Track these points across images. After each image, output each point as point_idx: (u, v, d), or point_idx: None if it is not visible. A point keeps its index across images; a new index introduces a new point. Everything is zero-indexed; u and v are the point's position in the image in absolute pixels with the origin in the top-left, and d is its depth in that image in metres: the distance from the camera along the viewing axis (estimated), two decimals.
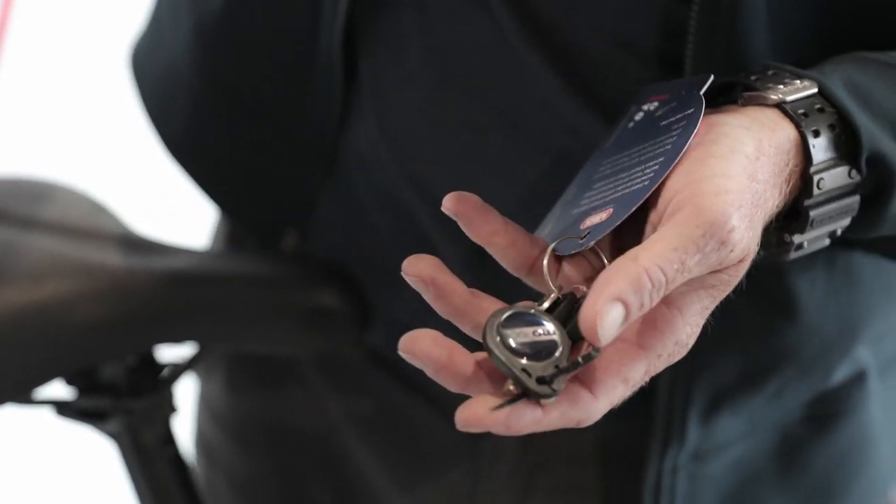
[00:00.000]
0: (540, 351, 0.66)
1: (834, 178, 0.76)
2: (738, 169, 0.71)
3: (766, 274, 0.80)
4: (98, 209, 1.14)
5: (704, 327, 0.73)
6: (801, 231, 0.77)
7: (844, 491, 1.02)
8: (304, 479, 1.10)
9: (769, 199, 0.73)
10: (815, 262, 0.91)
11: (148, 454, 1.12)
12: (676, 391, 0.93)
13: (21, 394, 1.06)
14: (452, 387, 0.69)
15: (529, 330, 0.67)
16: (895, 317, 0.99)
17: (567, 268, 0.73)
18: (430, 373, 0.69)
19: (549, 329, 0.67)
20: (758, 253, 0.74)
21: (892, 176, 0.77)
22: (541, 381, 0.66)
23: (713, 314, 0.73)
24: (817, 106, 0.76)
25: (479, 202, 0.74)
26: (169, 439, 1.12)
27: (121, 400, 1.10)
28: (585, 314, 0.66)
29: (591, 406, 0.68)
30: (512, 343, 0.66)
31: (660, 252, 0.67)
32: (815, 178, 0.76)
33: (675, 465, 0.95)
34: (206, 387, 1.17)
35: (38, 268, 1.03)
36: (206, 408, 1.17)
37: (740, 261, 0.71)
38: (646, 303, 0.67)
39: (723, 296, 0.73)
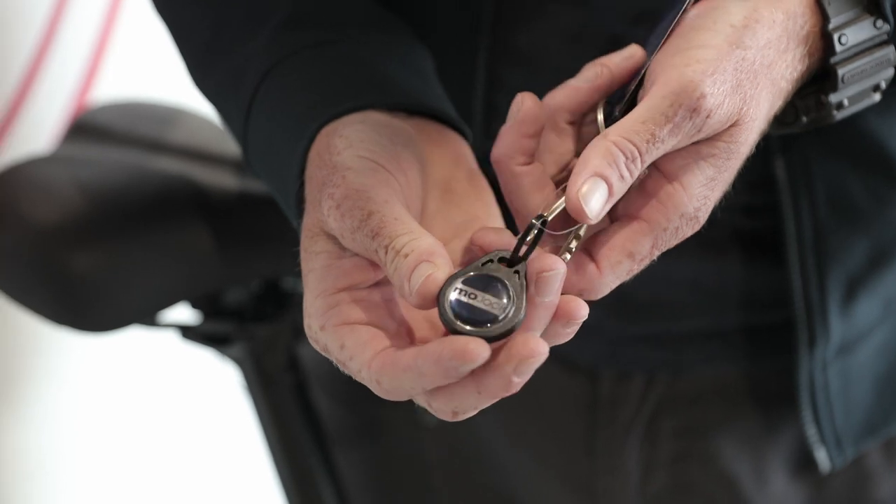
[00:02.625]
0: (478, 320, 0.67)
1: (857, 31, 0.75)
2: (718, 38, 0.71)
3: (864, 142, 0.81)
4: (223, 134, 1.14)
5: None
6: (834, 90, 0.77)
7: None
8: (410, 432, 1.09)
9: (774, 62, 0.73)
10: None
11: (270, 380, 1.13)
12: (811, 288, 0.93)
13: (147, 317, 1.07)
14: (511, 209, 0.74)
15: (481, 294, 0.68)
16: None
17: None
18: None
19: (494, 300, 0.67)
20: (800, 118, 0.76)
21: None
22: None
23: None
24: None
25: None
26: (291, 366, 1.13)
27: (245, 325, 1.11)
28: (570, 197, 0.68)
29: (595, 279, 0.71)
30: (456, 305, 0.67)
31: (628, 125, 0.69)
32: (835, 35, 0.75)
33: (823, 362, 0.95)
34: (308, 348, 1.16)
35: (165, 191, 1.04)
36: (309, 363, 1.16)
37: (733, 125, 0.71)
38: (624, 174, 0.68)
39: (730, 166, 0.72)
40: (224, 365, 1.18)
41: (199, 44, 0.86)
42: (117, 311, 1.03)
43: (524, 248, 0.68)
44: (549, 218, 0.70)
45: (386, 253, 0.68)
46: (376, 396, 0.69)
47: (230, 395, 1.49)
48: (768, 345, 0.98)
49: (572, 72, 0.77)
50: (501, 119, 0.75)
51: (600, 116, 0.75)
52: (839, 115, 0.78)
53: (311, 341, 0.71)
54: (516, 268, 0.68)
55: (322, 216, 0.71)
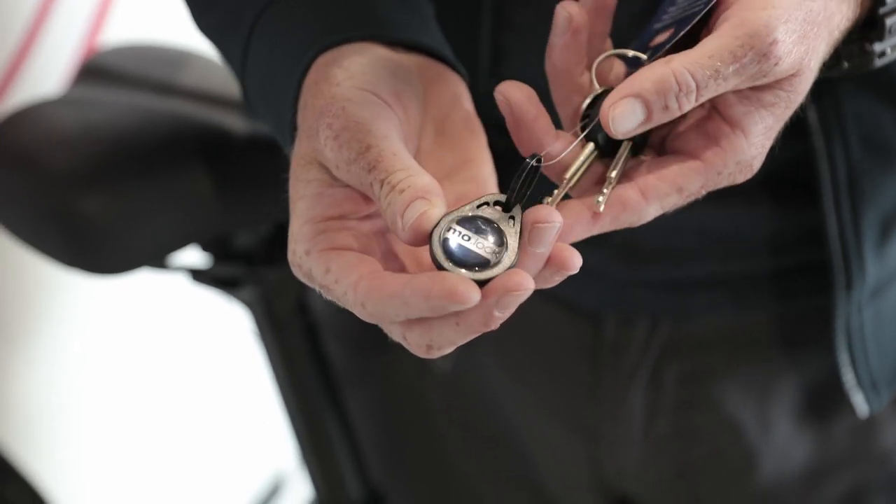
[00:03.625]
0: (468, 262, 0.66)
1: None
2: None
3: (894, 79, 0.81)
4: (233, 78, 1.14)
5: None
6: (881, 39, 0.77)
7: None
8: (416, 377, 1.09)
9: (834, 14, 0.73)
10: None
11: (280, 323, 1.14)
12: (846, 231, 0.92)
13: (158, 259, 1.08)
14: (522, 147, 0.71)
15: (474, 237, 0.67)
16: None
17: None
18: (510, 122, 0.70)
19: (488, 244, 0.67)
20: (841, 63, 0.76)
21: None
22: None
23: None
24: None
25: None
26: (301, 309, 1.13)
27: (255, 268, 1.11)
28: (602, 109, 0.68)
29: (640, 208, 0.70)
30: (448, 245, 0.66)
31: (694, 58, 0.68)
32: None
33: (859, 304, 0.95)
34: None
35: (175, 133, 1.04)
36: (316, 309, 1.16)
37: (793, 75, 0.71)
38: (671, 105, 0.68)
39: (786, 115, 0.72)
40: (234, 308, 1.19)
41: None
42: (128, 253, 1.03)
43: (521, 192, 0.67)
44: (555, 162, 0.69)
45: (381, 187, 0.67)
46: (385, 341, 0.69)
47: (240, 337, 1.50)
48: (796, 290, 0.97)
49: None
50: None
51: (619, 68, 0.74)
52: (880, 63, 0.78)
53: (293, 267, 0.70)
54: (511, 212, 0.67)
55: (318, 145, 0.70)
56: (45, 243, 1.04)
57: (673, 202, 0.71)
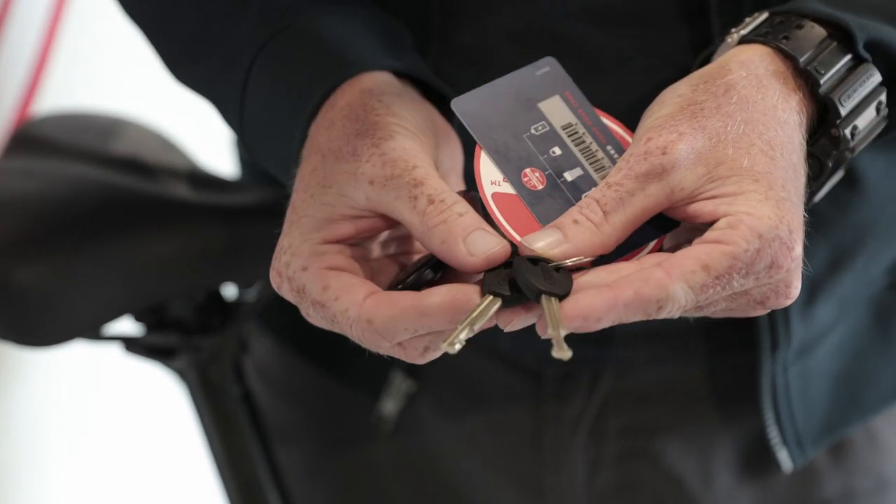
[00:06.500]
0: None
1: (830, 57, 0.76)
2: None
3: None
4: (168, 145, 1.14)
5: None
6: (839, 116, 0.77)
7: None
8: (356, 437, 1.09)
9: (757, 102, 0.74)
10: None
11: (215, 392, 1.13)
12: None
13: (91, 330, 1.06)
14: None
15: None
16: None
17: None
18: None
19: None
20: (826, 164, 0.77)
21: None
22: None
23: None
24: (777, 20, 0.77)
25: None
26: (237, 377, 1.12)
27: (189, 337, 1.10)
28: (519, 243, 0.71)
29: (666, 284, 0.68)
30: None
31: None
32: (809, 68, 0.76)
33: (784, 364, 0.96)
34: (257, 346, 1.16)
35: (109, 203, 1.03)
36: (253, 363, 1.16)
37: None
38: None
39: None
40: (168, 378, 1.17)
41: (185, 34, 0.87)
42: (61, 325, 1.02)
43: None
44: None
45: (430, 203, 0.71)
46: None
47: (174, 408, 1.48)
48: (725, 346, 0.99)
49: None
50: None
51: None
52: (855, 142, 0.78)
53: (280, 281, 0.73)
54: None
55: (351, 166, 0.73)
56: None
57: (700, 280, 0.69)
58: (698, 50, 0.85)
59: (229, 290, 1.13)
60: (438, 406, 1.05)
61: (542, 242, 0.70)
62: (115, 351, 1.14)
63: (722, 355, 0.99)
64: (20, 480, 1.58)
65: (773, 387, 0.96)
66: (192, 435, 1.22)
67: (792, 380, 0.97)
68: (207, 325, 1.10)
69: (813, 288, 0.95)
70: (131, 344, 1.12)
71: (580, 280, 0.69)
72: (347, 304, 0.70)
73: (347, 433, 1.09)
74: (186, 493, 1.81)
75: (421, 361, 0.72)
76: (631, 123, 0.78)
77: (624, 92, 0.86)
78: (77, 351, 1.27)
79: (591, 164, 0.76)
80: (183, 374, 1.13)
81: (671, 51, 0.87)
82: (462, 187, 0.80)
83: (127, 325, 1.13)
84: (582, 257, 0.70)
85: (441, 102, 0.81)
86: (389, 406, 1.05)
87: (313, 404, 1.11)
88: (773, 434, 0.98)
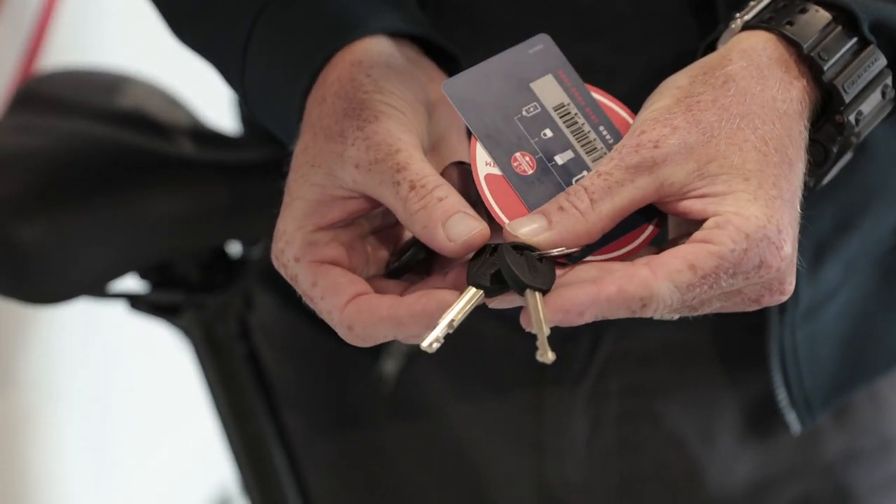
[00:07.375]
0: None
1: (834, 42, 0.76)
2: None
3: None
4: (172, 102, 1.14)
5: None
6: (843, 102, 0.77)
7: None
8: (358, 394, 1.10)
9: (756, 94, 0.74)
10: None
11: (220, 349, 1.13)
12: None
13: (96, 287, 1.06)
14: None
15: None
16: None
17: None
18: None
19: None
20: (830, 150, 0.76)
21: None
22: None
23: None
24: (781, 4, 0.77)
25: None
26: (242, 335, 1.13)
27: (194, 294, 1.11)
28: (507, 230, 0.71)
29: (650, 283, 0.69)
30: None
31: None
32: (812, 55, 0.76)
33: (792, 326, 0.96)
34: (261, 304, 1.16)
35: (113, 160, 1.03)
36: (260, 326, 1.16)
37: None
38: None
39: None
40: (173, 335, 1.18)
41: None
42: (66, 283, 1.02)
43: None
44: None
45: (412, 189, 0.71)
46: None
47: (180, 365, 1.49)
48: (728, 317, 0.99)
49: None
50: None
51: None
52: (860, 127, 0.78)
53: (277, 264, 0.74)
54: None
55: (339, 146, 0.73)
56: None
57: (686, 279, 0.70)
58: (697, 10, 0.85)
59: (234, 248, 1.13)
60: (438, 366, 1.05)
61: (526, 228, 0.71)
62: (121, 308, 1.14)
63: (727, 317, 0.99)
64: (28, 438, 1.59)
65: (781, 349, 0.96)
66: (198, 392, 1.22)
67: (800, 342, 0.97)
68: (212, 282, 1.11)
69: (819, 249, 0.95)
70: (136, 301, 1.12)
71: (567, 276, 0.70)
72: (331, 306, 0.71)
73: (349, 393, 1.10)
74: (192, 452, 1.82)
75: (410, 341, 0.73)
76: (626, 87, 0.78)
77: (621, 52, 0.86)
78: (82, 308, 1.27)
79: (582, 146, 0.76)
80: (188, 332, 1.14)
81: (671, 12, 0.86)
82: (464, 143, 0.79)
83: (132, 283, 1.13)
84: (565, 248, 0.71)
85: (442, 56, 0.81)
86: (390, 365, 1.05)
87: (315, 364, 1.11)
88: (782, 396, 0.98)
